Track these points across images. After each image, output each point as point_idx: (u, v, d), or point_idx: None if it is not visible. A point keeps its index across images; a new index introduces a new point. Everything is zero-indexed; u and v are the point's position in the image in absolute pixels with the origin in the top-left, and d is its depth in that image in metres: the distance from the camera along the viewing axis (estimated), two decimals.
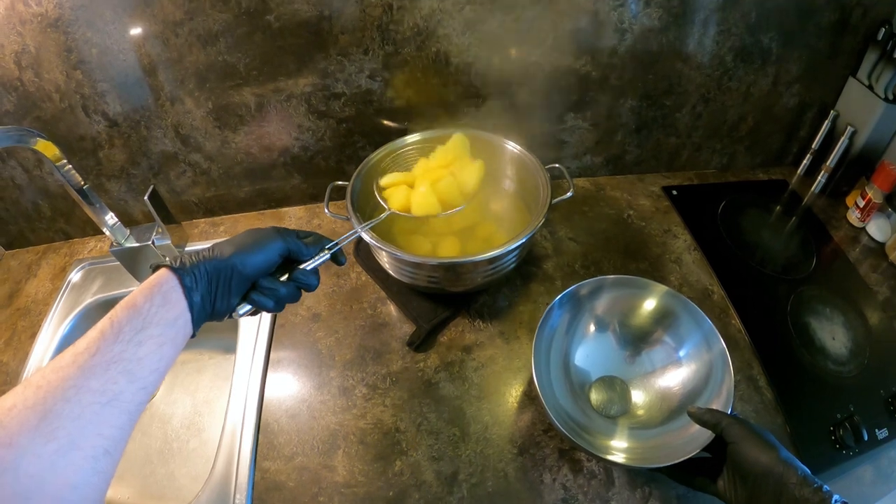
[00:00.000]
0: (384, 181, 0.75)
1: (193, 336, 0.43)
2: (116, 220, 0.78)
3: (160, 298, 0.40)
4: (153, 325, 0.39)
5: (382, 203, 0.71)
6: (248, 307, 0.48)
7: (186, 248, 0.43)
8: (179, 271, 0.42)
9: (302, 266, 0.51)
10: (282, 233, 0.50)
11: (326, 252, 0.53)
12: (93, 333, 0.37)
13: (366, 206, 0.76)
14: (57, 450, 0.32)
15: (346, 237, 0.57)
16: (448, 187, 0.73)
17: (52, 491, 0.31)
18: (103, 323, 0.37)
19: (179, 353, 0.41)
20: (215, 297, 0.44)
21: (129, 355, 0.37)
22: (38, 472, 0.31)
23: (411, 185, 0.74)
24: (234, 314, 0.48)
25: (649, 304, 0.70)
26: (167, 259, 0.43)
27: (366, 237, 0.68)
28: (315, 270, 0.52)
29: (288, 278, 0.50)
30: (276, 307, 0.49)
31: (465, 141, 0.77)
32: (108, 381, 0.35)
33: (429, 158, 0.78)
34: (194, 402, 0.87)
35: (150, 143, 0.86)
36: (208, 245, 0.46)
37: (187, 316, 0.42)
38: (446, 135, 0.79)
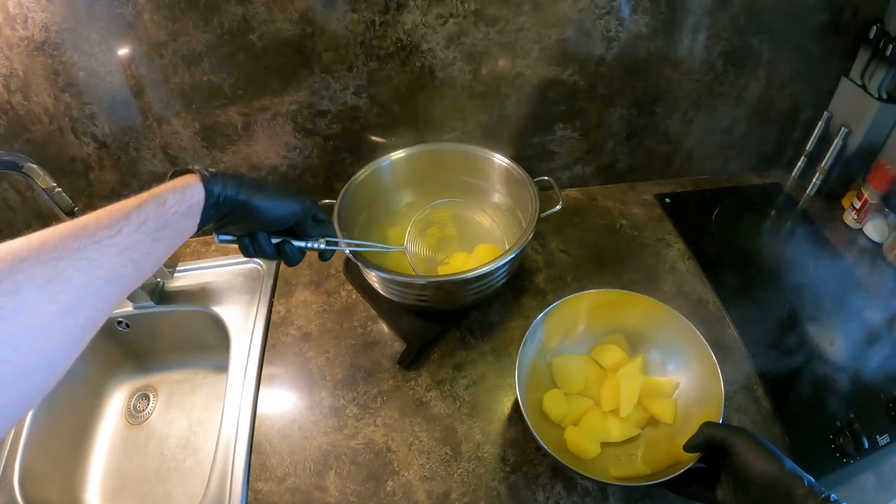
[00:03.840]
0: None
1: None
2: None
3: (186, 208, 0.42)
4: (171, 227, 0.40)
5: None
6: (231, 237, 0.50)
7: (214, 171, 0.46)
8: (210, 194, 0.44)
9: (296, 243, 0.53)
10: (305, 203, 0.52)
11: (323, 241, 0.54)
12: (118, 213, 0.37)
13: (353, 225, 0.76)
14: (57, 311, 0.32)
15: (349, 244, 0.62)
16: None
17: (40, 347, 0.32)
18: (129, 208, 0.38)
19: None
20: (221, 224, 0.47)
21: (144, 247, 0.38)
22: (35, 327, 0.32)
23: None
24: (215, 236, 0.50)
25: (636, 317, 0.70)
26: (204, 170, 0.45)
27: (354, 258, 0.68)
28: (303, 251, 0.54)
29: (279, 243, 0.52)
30: (252, 255, 0.51)
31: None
32: (118, 264, 0.36)
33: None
34: (190, 422, 0.87)
35: (140, 164, 0.86)
36: (237, 176, 0.47)
37: (195, 230, 0.44)
38: (432, 150, 0.78)
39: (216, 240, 0.50)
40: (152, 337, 0.90)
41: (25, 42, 0.71)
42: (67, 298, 0.33)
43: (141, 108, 0.79)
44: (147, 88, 0.77)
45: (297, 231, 0.53)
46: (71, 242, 0.34)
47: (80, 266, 0.34)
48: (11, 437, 0.73)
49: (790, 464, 0.49)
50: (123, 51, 0.73)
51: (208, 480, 0.66)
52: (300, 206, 0.51)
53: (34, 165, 0.65)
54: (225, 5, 0.70)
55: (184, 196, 0.42)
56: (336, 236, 0.57)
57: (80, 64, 0.74)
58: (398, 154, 0.83)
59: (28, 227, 0.89)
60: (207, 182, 0.44)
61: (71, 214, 0.73)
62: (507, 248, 0.69)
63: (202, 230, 0.46)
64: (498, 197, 0.85)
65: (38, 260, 0.32)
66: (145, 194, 0.40)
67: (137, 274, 0.38)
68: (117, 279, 0.36)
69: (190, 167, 0.45)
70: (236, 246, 0.51)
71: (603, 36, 0.81)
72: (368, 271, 0.69)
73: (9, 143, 0.80)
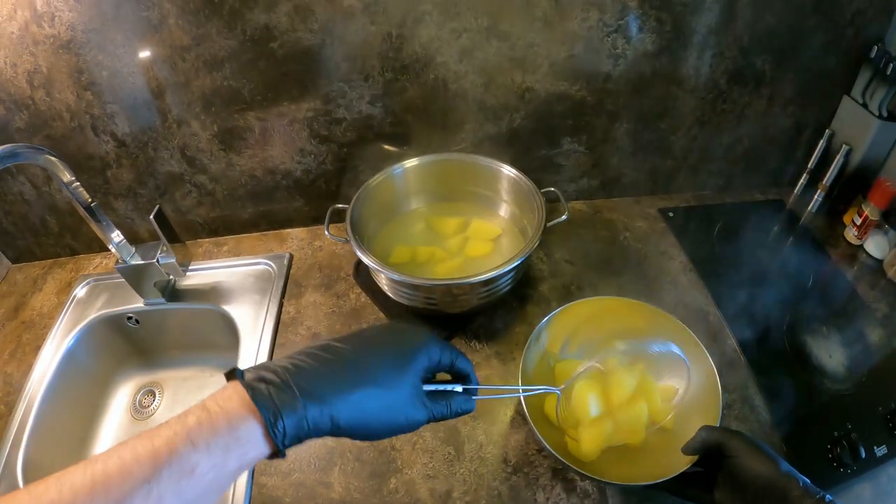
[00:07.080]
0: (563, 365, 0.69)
1: None
2: (122, 237, 0.80)
3: (234, 466, 0.33)
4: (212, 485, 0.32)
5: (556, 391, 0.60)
6: None
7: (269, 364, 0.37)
8: (275, 435, 0.33)
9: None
10: (421, 398, 0.40)
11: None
12: (144, 460, 0.30)
13: (364, 231, 0.78)
14: None
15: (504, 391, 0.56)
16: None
17: None
18: (152, 459, 0.30)
19: None
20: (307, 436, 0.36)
21: None
22: None
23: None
24: None
25: (637, 324, 0.71)
26: (269, 397, 0.33)
27: (365, 260, 0.70)
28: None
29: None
30: None
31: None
32: None
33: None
34: None
35: (157, 164, 0.88)
36: (321, 379, 0.35)
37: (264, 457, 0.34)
38: (443, 159, 0.80)
39: None
40: (161, 333, 0.91)
41: (51, 40, 0.73)
42: None
43: (161, 109, 0.81)
44: (168, 91, 0.80)
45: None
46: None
47: None
48: (16, 427, 0.74)
49: (786, 465, 0.49)
50: (147, 53, 0.76)
51: None
52: (426, 412, 0.39)
53: (55, 159, 0.66)
54: (248, 13, 0.73)
55: (227, 455, 0.31)
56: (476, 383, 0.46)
57: (104, 64, 0.76)
58: (411, 162, 0.85)
59: (42, 222, 0.92)
60: (273, 423, 0.32)
61: (88, 209, 0.75)
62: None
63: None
64: (505, 207, 0.87)
65: None
66: (176, 437, 0.30)
67: None
68: None
69: (240, 379, 0.33)
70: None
71: (610, 53, 0.83)
72: (378, 273, 0.71)
73: (29, 138, 0.82)
